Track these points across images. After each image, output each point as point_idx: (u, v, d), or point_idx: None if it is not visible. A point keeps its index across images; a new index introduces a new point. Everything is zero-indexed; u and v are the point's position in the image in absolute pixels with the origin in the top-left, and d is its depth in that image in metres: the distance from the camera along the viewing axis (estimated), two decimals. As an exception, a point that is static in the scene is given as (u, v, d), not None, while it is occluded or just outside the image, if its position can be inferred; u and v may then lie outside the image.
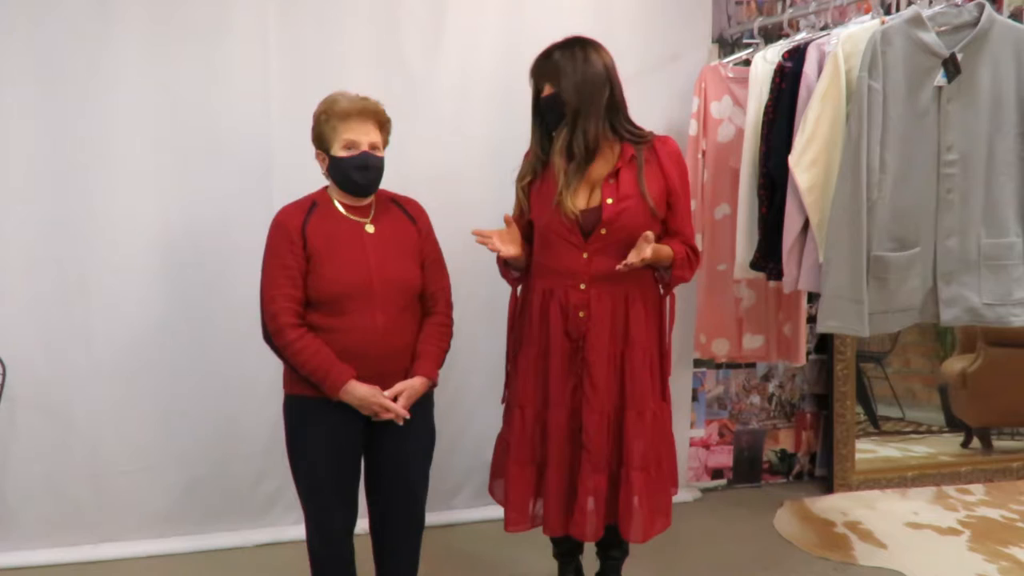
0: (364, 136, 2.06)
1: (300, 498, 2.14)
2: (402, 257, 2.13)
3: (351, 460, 2.11)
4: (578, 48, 2.17)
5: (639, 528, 2.22)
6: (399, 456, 2.15)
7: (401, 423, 2.07)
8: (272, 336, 2.03)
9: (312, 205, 2.09)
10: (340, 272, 2.03)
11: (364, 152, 2.06)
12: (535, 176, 2.26)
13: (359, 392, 2.01)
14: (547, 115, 2.21)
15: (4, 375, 2.68)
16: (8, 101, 2.65)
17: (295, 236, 2.02)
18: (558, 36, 2.28)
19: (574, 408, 2.22)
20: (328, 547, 2.13)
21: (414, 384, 2.09)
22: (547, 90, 2.19)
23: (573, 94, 2.13)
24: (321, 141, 2.09)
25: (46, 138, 2.69)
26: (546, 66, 2.19)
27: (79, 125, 2.70)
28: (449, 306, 2.24)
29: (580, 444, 2.20)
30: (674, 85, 3.12)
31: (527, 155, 2.30)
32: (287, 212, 2.08)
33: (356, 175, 2.07)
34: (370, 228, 2.11)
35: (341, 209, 2.10)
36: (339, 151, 2.06)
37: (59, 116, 2.69)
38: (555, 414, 2.22)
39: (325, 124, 2.06)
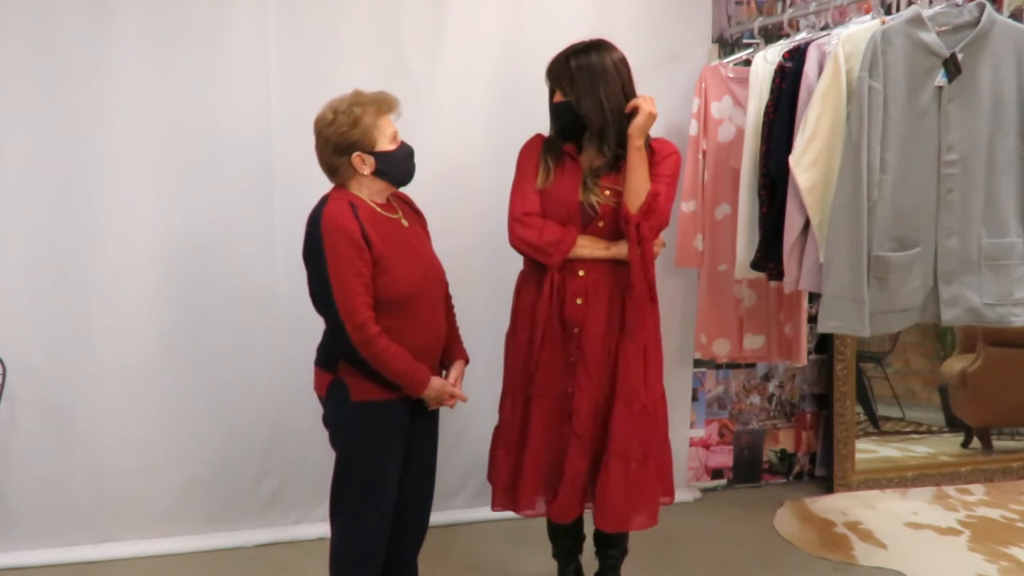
0: (396, 127, 2.08)
1: (346, 500, 2.09)
2: (431, 250, 2.20)
3: (402, 453, 2.14)
4: (595, 54, 2.17)
5: (610, 517, 2.24)
6: (432, 442, 2.26)
7: (453, 406, 2.18)
8: (360, 347, 1.96)
9: (352, 206, 2.00)
10: (406, 273, 2.03)
11: (403, 140, 2.09)
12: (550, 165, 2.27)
13: (435, 385, 2.10)
14: (559, 119, 2.24)
15: (4, 375, 2.68)
16: (8, 101, 2.65)
17: (360, 241, 1.95)
18: (558, 36, 2.29)
19: (563, 393, 2.24)
20: (375, 541, 2.12)
21: (461, 368, 2.25)
22: (558, 96, 2.22)
23: (596, 112, 2.16)
24: (359, 143, 2.00)
25: (46, 138, 2.69)
26: (562, 72, 2.19)
27: (79, 124, 2.70)
28: (448, 287, 2.30)
29: (570, 430, 2.23)
30: (674, 85, 3.12)
31: (544, 143, 2.30)
32: (341, 216, 1.97)
33: (409, 164, 2.10)
34: (405, 223, 2.13)
35: (377, 208, 2.07)
36: (388, 145, 2.04)
37: (59, 116, 2.69)
38: (545, 399, 2.25)
39: (362, 123, 1.99)
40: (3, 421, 2.74)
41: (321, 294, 1.98)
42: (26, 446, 2.78)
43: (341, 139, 2.00)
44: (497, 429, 2.40)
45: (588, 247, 2.21)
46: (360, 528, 2.10)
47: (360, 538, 2.10)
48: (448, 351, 2.23)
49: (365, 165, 2.03)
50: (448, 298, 2.27)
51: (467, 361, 2.28)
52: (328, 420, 2.11)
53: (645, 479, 2.27)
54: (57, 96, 2.67)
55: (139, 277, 2.80)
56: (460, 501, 3.14)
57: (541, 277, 2.25)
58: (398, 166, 2.07)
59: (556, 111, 2.24)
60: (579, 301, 2.21)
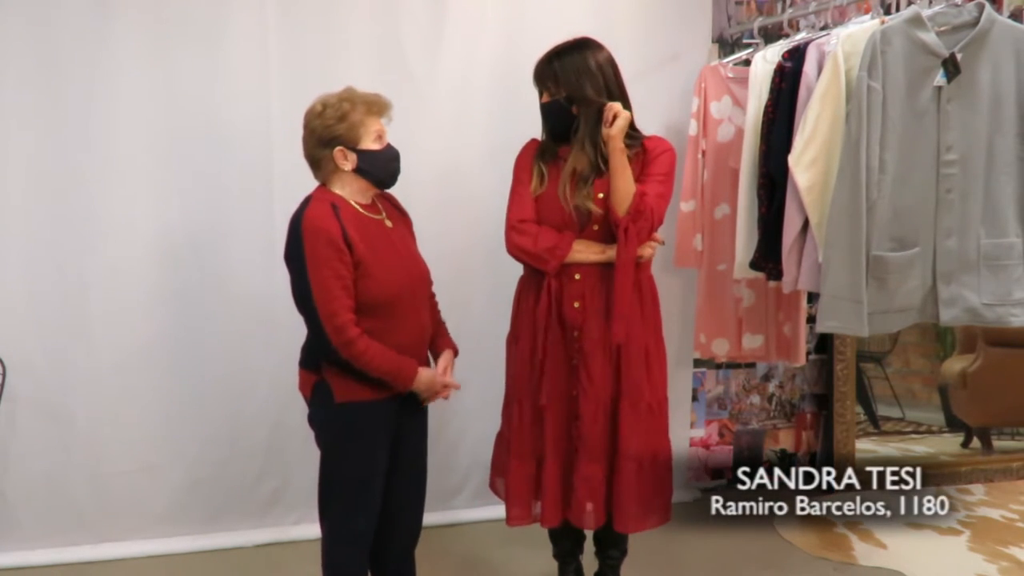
0: (384, 127, 2.06)
1: (334, 501, 2.07)
2: (416, 250, 2.18)
3: (388, 454, 2.11)
4: (577, 54, 2.20)
5: (628, 518, 2.25)
6: (420, 443, 2.21)
7: (448, 396, 2.17)
8: (340, 349, 1.94)
9: (334, 207, 1.98)
10: (390, 275, 2.01)
11: (390, 143, 2.07)
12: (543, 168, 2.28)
13: (425, 377, 2.08)
14: (547, 120, 2.26)
15: (4, 375, 2.68)
16: (8, 101, 2.65)
17: (341, 244, 1.93)
18: (558, 36, 2.29)
19: (569, 396, 2.25)
20: (364, 543, 2.09)
21: (450, 357, 2.21)
22: (545, 96, 2.24)
23: (583, 105, 2.18)
24: (343, 138, 1.99)
25: (46, 138, 2.69)
26: (546, 72, 2.23)
27: (79, 125, 2.71)
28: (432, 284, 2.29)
29: (577, 433, 2.23)
30: (674, 85, 3.12)
31: (536, 147, 2.31)
32: (321, 218, 1.95)
33: (393, 166, 2.07)
34: (389, 223, 2.11)
35: (360, 209, 2.05)
36: (371, 144, 2.01)
37: (59, 116, 2.69)
38: (552, 404, 2.25)
39: (349, 119, 1.98)
40: (3, 421, 2.74)
41: (302, 297, 1.97)
42: (26, 446, 2.78)
43: (326, 132, 1.99)
44: (505, 439, 2.37)
45: (583, 252, 2.22)
46: (349, 530, 2.07)
47: (350, 540, 2.08)
48: (435, 343, 2.21)
49: (347, 161, 2.01)
50: (432, 296, 2.26)
51: (456, 351, 2.24)
52: (312, 420, 2.10)
53: (657, 477, 2.29)
54: (57, 96, 2.68)
55: (139, 277, 2.81)
56: (460, 501, 3.14)
57: (540, 283, 2.26)
58: (381, 166, 2.04)
59: (545, 111, 2.26)
60: (576, 305, 2.22)
